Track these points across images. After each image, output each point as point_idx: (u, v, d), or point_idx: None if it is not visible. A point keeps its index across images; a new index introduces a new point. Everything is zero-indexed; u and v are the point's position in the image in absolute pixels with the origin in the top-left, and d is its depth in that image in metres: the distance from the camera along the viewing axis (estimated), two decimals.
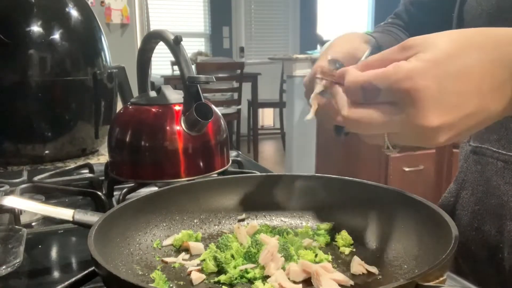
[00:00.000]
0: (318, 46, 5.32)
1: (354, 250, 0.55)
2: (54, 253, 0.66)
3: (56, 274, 0.60)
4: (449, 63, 0.38)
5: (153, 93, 0.85)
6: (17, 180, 0.91)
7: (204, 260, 0.52)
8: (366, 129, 0.42)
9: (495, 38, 0.39)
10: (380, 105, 0.41)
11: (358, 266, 0.49)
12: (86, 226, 0.52)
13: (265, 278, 0.48)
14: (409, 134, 0.40)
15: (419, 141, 0.41)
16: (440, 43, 0.39)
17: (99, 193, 0.76)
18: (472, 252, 0.68)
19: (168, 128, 0.77)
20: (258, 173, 0.75)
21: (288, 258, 0.51)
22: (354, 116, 0.42)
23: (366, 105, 0.41)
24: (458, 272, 0.53)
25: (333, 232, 0.58)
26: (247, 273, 0.49)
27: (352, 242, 0.56)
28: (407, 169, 2.61)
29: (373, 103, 0.41)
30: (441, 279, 0.38)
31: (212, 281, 0.49)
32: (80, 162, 1.11)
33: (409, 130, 0.40)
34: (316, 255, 0.52)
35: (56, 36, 1.09)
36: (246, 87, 4.75)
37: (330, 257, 0.53)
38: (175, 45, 0.77)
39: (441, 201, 0.75)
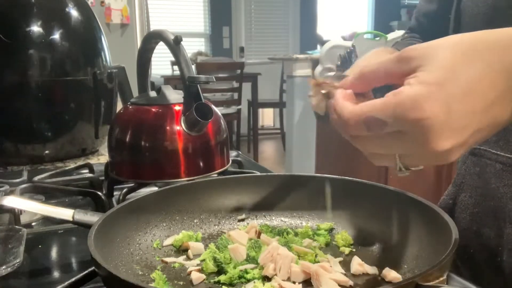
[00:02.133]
0: (318, 46, 5.32)
1: (354, 250, 0.55)
2: (54, 253, 0.66)
3: (56, 274, 0.60)
4: (453, 83, 0.36)
5: (153, 93, 0.85)
6: (17, 180, 0.91)
7: (204, 260, 0.52)
8: (374, 150, 0.41)
9: (496, 45, 0.38)
10: (387, 134, 0.39)
11: (358, 266, 0.49)
12: (86, 226, 0.52)
13: (265, 278, 0.48)
14: (420, 157, 0.40)
15: (431, 162, 0.40)
16: (441, 58, 0.37)
17: (99, 193, 0.76)
18: (471, 255, 0.68)
19: (168, 128, 0.77)
20: (258, 173, 0.75)
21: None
22: (361, 143, 0.41)
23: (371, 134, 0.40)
24: (457, 274, 0.53)
25: (333, 232, 0.58)
26: (247, 273, 0.49)
27: (352, 242, 0.56)
28: None
29: (378, 133, 0.39)
30: (441, 279, 0.38)
31: (212, 281, 0.49)
32: (80, 162, 1.11)
33: (420, 154, 0.39)
34: (316, 255, 0.52)
35: (56, 36, 1.09)
36: (246, 87, 4.75)
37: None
38: (175, 45, 0.77)
39: (440, 204, 0.75)
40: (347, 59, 2.31)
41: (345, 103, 0.41)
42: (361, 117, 0.39)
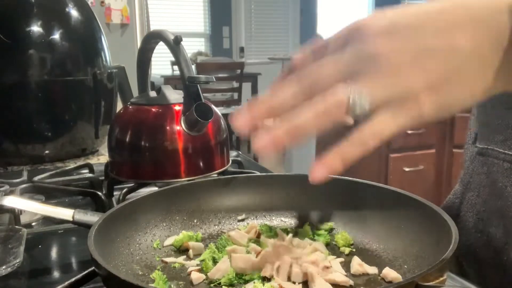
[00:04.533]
0: None
1: (354, 250, 0.55)
2: (54, 253, 0.66)
3: (56, 274, 0.60)
4: (400, 10, 0.38)
5: (153, 93, 0.85)
6: (17, 180, 0.91)
7: (204, 260, 0.52)
8: (318, 75, 0.39)
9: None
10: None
11: (358, 266, 0.49)
12: (86, 226, 0.52)
13: (265, 278, 0.48)
14: (371, 72, 0.36)
15: (387, 85, 0.36)
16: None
17: (99, 193, 0.76)
18: (476, 255, 0.68)
19: (168, 128, 0.77)
20: (258, 173, 0.75)
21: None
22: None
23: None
24: (462, 274, 0.53)
25: (333, 232, 0.58)
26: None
27: (352, 242, 0.56)
28: (407, 169, 2.61)
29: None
30: (441, 279, 0.38)
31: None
32: (80, 162, 1.11)
33: (363, 65, 0.36)
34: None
35: (56, 36, 1.09)
36: (246, 87, 4.75)
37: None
38: (175, 45, 0.77)
39: (446, 203, 0.75)
40: None
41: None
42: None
